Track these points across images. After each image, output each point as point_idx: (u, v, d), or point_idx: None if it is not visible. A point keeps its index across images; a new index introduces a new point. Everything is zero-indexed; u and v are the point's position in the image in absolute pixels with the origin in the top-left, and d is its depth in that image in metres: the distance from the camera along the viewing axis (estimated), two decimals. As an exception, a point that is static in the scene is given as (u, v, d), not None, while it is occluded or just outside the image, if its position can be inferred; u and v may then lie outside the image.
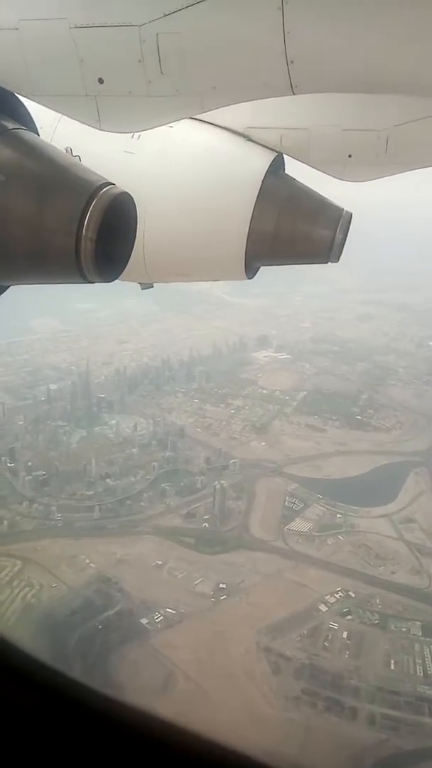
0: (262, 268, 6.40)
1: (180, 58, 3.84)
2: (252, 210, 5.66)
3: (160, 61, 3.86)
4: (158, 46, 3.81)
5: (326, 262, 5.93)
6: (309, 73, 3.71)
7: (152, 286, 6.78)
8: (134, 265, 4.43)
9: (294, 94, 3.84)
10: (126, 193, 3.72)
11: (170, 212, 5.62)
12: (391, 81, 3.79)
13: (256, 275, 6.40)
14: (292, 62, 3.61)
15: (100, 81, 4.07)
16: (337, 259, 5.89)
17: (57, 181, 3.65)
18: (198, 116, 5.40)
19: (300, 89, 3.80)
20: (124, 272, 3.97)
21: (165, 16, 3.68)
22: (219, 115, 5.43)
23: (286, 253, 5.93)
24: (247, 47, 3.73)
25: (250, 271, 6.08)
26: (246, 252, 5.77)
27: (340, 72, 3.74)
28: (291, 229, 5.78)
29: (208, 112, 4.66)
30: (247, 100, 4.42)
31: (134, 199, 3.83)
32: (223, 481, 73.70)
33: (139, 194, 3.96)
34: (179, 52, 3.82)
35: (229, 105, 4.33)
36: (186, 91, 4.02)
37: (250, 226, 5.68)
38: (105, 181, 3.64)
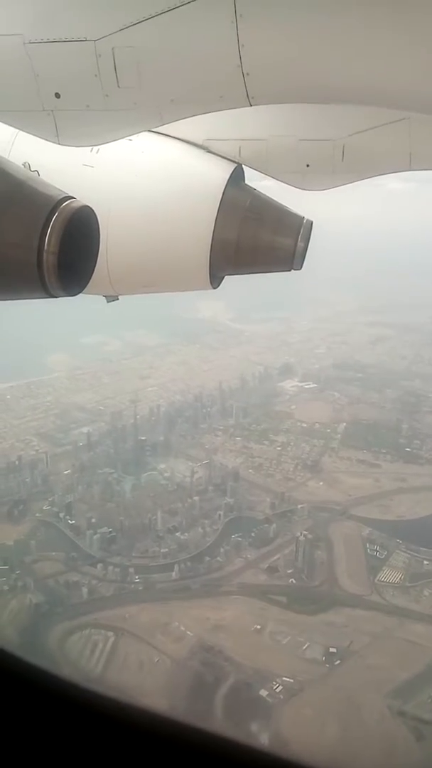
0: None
1: (137, 71, 3.88)
2: (214, 220, 5.70)
3: (116, 74, 3.90)
4: (114, 60, 3.84)
5: (289, 270, 6.00)
6: (265, 84, 3.78)
7: (117, 299, 6.69)
8: (98, 278, 4.35)
9: (251, 105, 3.91)
10: (87, 206, 3.67)
11: (132, 225, 5.65)
12: (344, 91, 3.86)
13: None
14: (247, 74, 3.67)
15: (57, 95, 4.09)
16: (299, 266, 5.96)
17: (16, 196, 3.56)
18: (157, 129, 5.45)
19: (257, 101, 3.88)
20: (88, 285, 3.93)
21: (120, 30, 3.71)
22: (178, 127, 5.34)
23: (249, 262, 6.00)
24: (203, 60, 3.79)
25: (215, 280, 6.12)
26: (210, 262, 5.81)
27: (295, 83, 3.83)
28: (253, 238, 5.85)
29: (167, 125, 4.69)
30: (205, 113, 4.43)
31: (96, 213, 3.79)
32: (306, 532, 71.74)
33: (100, 208, 3.94)
34: (136, 66, 3.86)
35: (187, 117, 4.38)
36: (144, 104, 4.08)
37: (212, 237, 5.71)
38: (65, 195, 3.58)
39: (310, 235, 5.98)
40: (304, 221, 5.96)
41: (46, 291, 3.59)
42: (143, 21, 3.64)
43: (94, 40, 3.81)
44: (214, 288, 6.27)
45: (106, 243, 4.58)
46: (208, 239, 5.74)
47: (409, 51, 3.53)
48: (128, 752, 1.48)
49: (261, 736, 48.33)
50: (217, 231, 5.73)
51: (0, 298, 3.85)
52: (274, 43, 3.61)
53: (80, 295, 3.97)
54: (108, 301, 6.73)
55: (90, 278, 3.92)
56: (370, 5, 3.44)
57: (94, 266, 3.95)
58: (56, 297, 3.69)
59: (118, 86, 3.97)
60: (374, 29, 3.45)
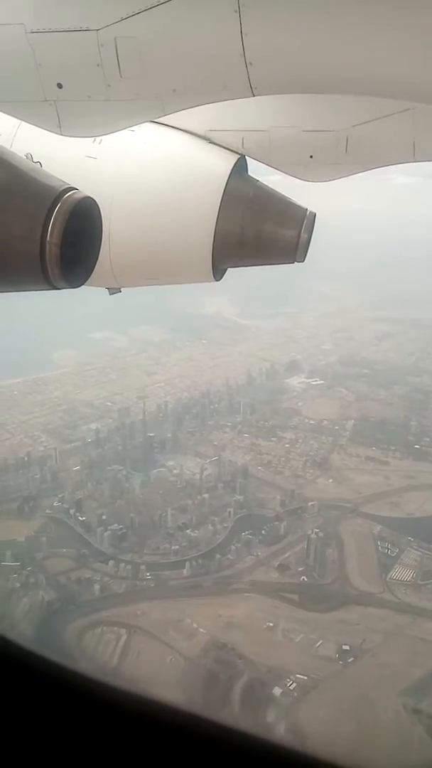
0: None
1: (139, 61, 3.85)
2: (217, 212, 5.65)
3: (119, 64, 3.87)
4: (117, 50, 3.81)
5: (292, 262, 5.96)
6: (267, 74, 3.76)
7: (120, 291, 6.63)
8: (101, 270, 4.36)
9: (254, 95, 3.89)
10: (89, 197, 3.63)
11: (135, 216, 5.60)
12: (347, 81, 3.83)
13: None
14: (250, 64, 3.65)
15: (59, 86, 4.08)
16: (302, 258, 5.91)
17: (19, 187, 3.53)
18: (159, 120, 5.39)
19: (259, 91, 3.86)
20: (91, 277, 3.91)
21: (123, 19, 3.66)
22: (180, 118, 5.27)
23: (252, 253, 5.96)
24: (206, 50, 3.76)
25: (218, 273, 6.08)
26: (212, 254, 5.76)
27: (298, 73, 3.81)
28: (256, 230, 5.81)
29: (170, 116, 4.66)
30: (208, 103, 4.39)
31: (98, 204, 3.75)
32: (316, 530, 71.69)
33: (103, 199, 3.91)
34: (138, 56, 3.83)
35: (189, 108, 4.35)
36: (146, 94, 4.05)
37: (215, 228, 5.67)
38: (68, 186, 3.55)
39: (313, 226, 5.92)
40: (308, 213, 5.89)
41: (49, 283, 3.56)
42: (146, 11, 3.62)
43: (97, 30, 3.78)
44: (217, 280, 6.22)
45: (108, 234, 4.61)
46: (210, 231, 5.69)
47: (412, 40, 3.50)
48: (134, 741, 1.49)
49: (276, 733, 48.35)
50: (220, 222, 5.68)
51: (2, 290, 3.82)
52: (277, 32, 3.59)
53: (83, 287, 3.95)
54: (110, 294, 6.70)
55: (93, 270, 3.90)
56: None
57: (97, 258, 3.92)
58: (59, 289, 3.66)
59: (121, 76, 3.95)
60: (377, 19, 3.44)
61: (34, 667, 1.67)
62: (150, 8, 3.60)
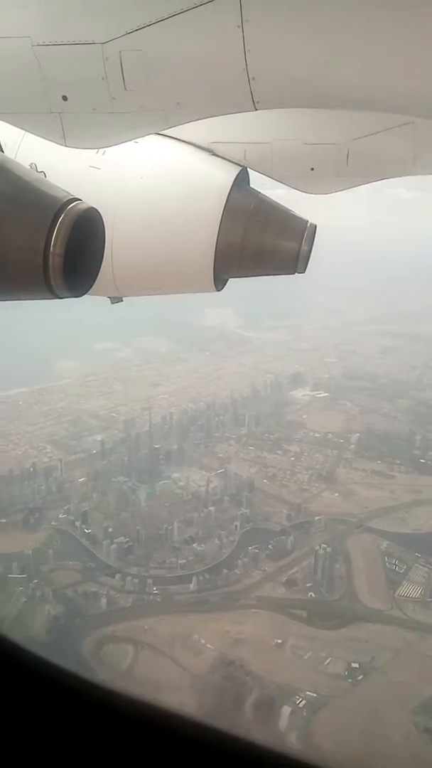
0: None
1: (143, 74, 3.92)
2: (219, 223, 5.72)
3: (123, 78, 3.94)
4: (121, 63, 3.88)
5: (293, 273, 6.02)
6: (270, 89, 3.83)
7: (122, 300, 6.69)
8: (103, 279, 4.38)
9: (256, 109, 3.96)
10: (93, 208, 3.67)
11: (137, 227, 5.67)
12: (349, 97, 3.92)
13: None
14: (253, 79, 3.72)
15: (64, 98, 4.15)
16: (303, 270, 5.98)
17: (23, 197, 3.58)
18: (163, 132, 5.47)
19: (262, 105, 3.93)
20: (93, 287, 3.94)
21: (128, 33, 3.74)
22: (184, 130, 5.27)
23: (253, 264, 6.01)
24: (209, 64, 3.84)
25: (219, 283, 6.14)
26: (214, 264, 5.84)
27: (300, 88, 3.88)
28: (257, 241, 5.86)
29: (173, 128, 4.70)
30: (211, 116, 4.44)
31: (101, 214, 3.80)
32: (324, 545, 71.41)
33: (106, 209, 3.96)
34: (142, 69, 3.90)
35: (193, 121, 4.43)
36: (150, 107, 4.12)
37: (217, 239, 5.74)
38: (71, 197, 3.58)
39: (314, 238, 5.99)
40: (308, 225, 5.95)
41: (52, 292, 3.59)
42: (150, 25, 3.67)
43: (102, 44, 3.84)
44: (218, 290, 6.28)
45: (111, 244, 4.65)
46: (212, 241, 5.76)
47: (414, 57, 3.55)
48: (135, 748, 1.45)
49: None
50: (222, 233, 5.75)
51: (5, 298, 3.85)
52: (280, 48, 3.65)
53: (85, 296, 3.99)
54: (112, 303, 6.72)
55: (95, 280, 3.92)
56: (375, 12, 3.44)
57: (99, 268, 3.96)
58: (61, 298, 3.70)
59: (125, 89, 4.00)
60: (379, 36, 3.48)
61: (33, 669, 1.63)
62: (155, 23, 3.66)
